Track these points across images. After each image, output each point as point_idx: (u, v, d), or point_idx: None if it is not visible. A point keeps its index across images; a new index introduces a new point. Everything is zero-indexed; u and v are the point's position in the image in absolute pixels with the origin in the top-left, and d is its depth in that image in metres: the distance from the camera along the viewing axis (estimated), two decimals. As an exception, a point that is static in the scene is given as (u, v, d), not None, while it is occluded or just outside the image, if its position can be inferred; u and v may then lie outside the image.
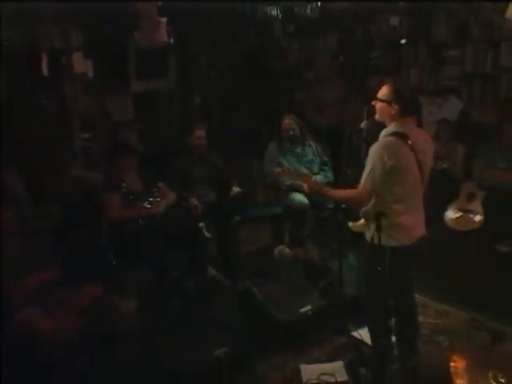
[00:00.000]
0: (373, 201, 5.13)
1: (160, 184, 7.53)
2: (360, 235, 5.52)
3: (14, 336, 5.27)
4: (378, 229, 4.89)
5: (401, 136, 5.05)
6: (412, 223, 5.23)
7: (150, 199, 7.32)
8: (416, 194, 5.24)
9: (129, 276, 6.61)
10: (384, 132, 5.21)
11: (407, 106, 5.17)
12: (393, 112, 5.14)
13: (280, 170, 6.34)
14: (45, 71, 9.13)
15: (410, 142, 5.03)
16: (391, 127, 5.17)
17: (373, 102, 5.29)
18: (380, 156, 4.98)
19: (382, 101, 5.19)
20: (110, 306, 5.99)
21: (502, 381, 3.38)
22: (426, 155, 5.22)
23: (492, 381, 3.40)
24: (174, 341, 5.92)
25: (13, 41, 8.61)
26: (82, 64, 9.42)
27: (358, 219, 5.51)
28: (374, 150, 5.08)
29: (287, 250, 7.97)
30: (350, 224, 5.68)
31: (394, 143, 5.05)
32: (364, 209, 5.19)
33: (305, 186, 6.89)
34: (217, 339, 5.97)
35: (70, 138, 9.30)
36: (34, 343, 5.26)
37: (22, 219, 6.24)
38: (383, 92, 5.22)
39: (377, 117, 5.30)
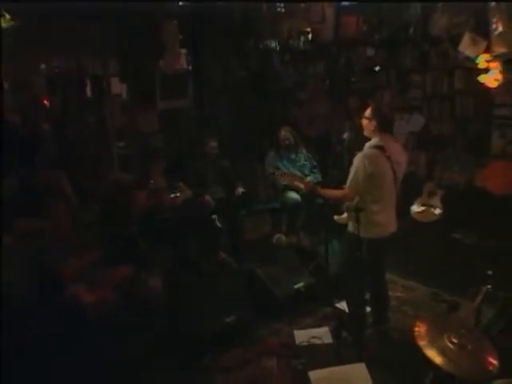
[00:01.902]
0: (355, 199, 5.22)
1: (180, 183, 7.59)
2: (343, 226, 5.61)
3: (64, 306, 5.36)
4: (357, 221, 4.96)
5: (380, 148, 5.17)
6: (385, 221, 5.35)
7: (172, 195, 7.38)
8: (390, 197, 5.35)
9: (155, 258, 6.65)
10: (368, 144, 5.34)
11: (383, 122, 5.29)
12: (372, 127, 5.26)
13: (280, 173, 6.47)
14: (89, 94, 9.24)
15: (386, 154, 5.14)
16: (373, 141, 5.30)
17: (362, 120, 5.43)
18: (362, 164, 5.12)
19: (365, 118, 5.32)
20: (139, 282, 6.06)
21: (455, 341, 3.43)
22: (400, 165, 5.33)
23: (447, 341, 3.45)
24: (192, 309, 5.98)
25: (63, 69, 8.75)
26: (118, 87, 9.53)
27: (342, 213, 5.63)
28: (357, 158, 5.21)
29: (283, 238, 8.02)
30: (336, 217, 5.80)
31: (374, 154, 5.17)
32: (346, 204, 5.27)
33: (301, 185, 6.97)
34: (227, 309, 6.05)
35: (108, 147, 9.37)
36: (79, 311, 5.36)
37: (71, 213, 6.31)
38: (367, 111, 5.35)
39: (364, 132, 5.42)
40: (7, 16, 7.14)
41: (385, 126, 5.33)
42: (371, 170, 5.11)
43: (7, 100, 8.54)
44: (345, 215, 5.61)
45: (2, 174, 6.76)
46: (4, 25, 7.15)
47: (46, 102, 9.09)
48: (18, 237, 5.60)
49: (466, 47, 7.85)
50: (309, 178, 7.95)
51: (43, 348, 4.88)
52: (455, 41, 8.10)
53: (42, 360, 4.80)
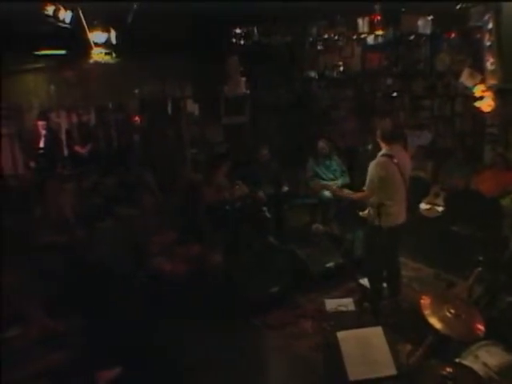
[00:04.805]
0: (374, 197, 5.28)
1: (239, 182, 7.67)
2: (365, 218, 5.66)
3: (148, 273, 5.53)
4: (379, 214, 5.02)
5: (389, 156, 5.25)
6: (398, 213, 5.38)
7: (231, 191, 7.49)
8: (400, 193, 5.39)
9: (218, 239, 6.75)
10: (380, 153, 5.40)
11: (385, 135, 5.41)
12: (379, 139, 5.40)
13: (314, 184, 6.64)
14: (169, 111, 9.43)
15: (395, 161, 5.20)
16: (383, 151, 5.38)
17: None
18: (376, 170, 5.25)
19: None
20: (205, 258, 6.17)
21: (452, 311, 3.48)
22: (406, 168, 5.39)
23: (446, 311, 3.51)
24: (245, 281, 6.09)
25: (151, 93, 8.99)
26: (191, 107, 9.72)
27: (364, 209, 5.68)
28: (371, 166, 5.32)
29: (320, 227, 8.01)
30: (360, 213, 5.84)
31: (384, 161, 5.27)
32: (371, 202, 5.38)
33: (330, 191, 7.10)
34: (273, 281, 6.15)
35: (183, 153, 9.54)
36: (159, 278, 5.51)
37: (155, 203, 6.45)
38: None
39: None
40: (113, 54, 7.38)
41: (387, 138, 5.40)
42: (383, 174, 5.23)
43: (109, 119, 8.87)
44: (366, 211, 5.67)
45: (104, 174, 7.01)
46: (112, 61, 7.44)
47: (137, 118, 9.32)
48: (116, 221, 5.79)
49: (465, 79, 7.87)
50: (339, 180, 8.01)
51: (132, 305, 5.06)
52: (457, 74, 8.12)
53: (131, 312, 4.98)
